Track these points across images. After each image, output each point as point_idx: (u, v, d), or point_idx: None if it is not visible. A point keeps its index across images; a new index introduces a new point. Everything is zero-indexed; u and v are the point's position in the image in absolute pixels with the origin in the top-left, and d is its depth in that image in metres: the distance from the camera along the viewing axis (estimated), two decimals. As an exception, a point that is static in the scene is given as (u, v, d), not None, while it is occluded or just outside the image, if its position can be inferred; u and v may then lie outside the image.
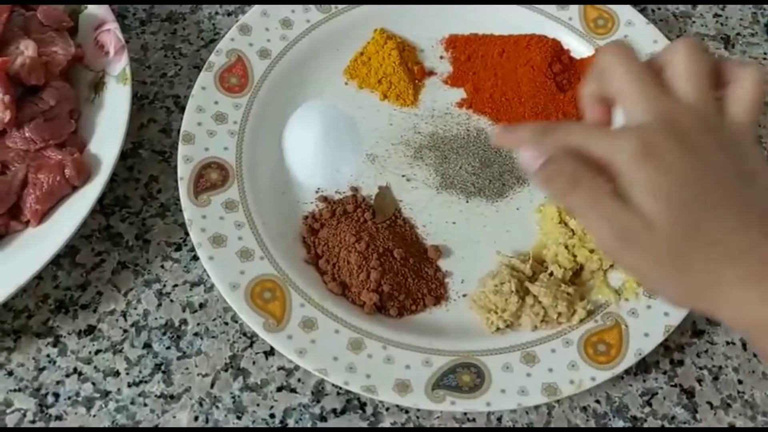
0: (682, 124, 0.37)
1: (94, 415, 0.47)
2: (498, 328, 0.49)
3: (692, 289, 0.37)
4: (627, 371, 0.49)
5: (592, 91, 0.40)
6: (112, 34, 0.55)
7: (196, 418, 0.47)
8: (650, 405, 0.49)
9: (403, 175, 0.56)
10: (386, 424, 0.48)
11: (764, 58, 0.63)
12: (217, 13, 0.63)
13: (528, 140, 0.39)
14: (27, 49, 0.51)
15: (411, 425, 0.48)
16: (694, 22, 0.65)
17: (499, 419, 0.48)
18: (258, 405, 0.48)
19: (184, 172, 0.52)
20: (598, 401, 0.49)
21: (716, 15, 0.66)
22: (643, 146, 0.36)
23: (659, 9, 0.65)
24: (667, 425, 0.48)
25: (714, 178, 0.37)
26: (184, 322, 0.51)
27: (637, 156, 0.36)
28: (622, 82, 0.38)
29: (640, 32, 0.59)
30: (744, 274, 0.36)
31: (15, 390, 0.48)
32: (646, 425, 0.48)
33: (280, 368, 0.49)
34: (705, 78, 0.39)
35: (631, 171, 0.36)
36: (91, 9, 0.57)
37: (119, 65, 0.54)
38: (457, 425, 0.48)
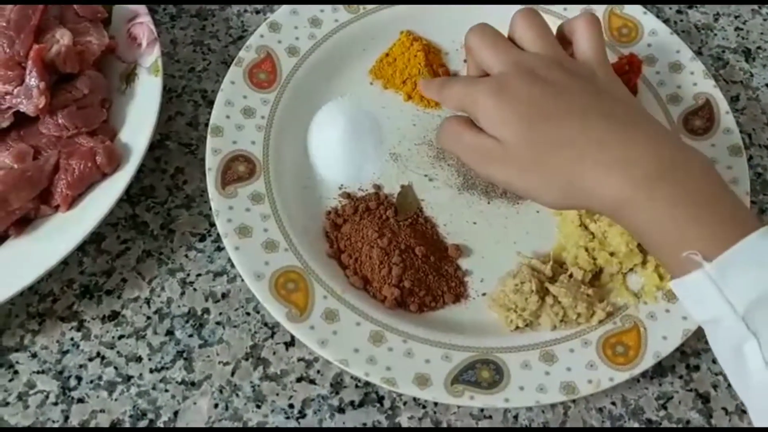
0: (529, 64, 0.47)
1: (116, 399, 0.48)
2: (517, 327, 0.49)
3: (559, 188, 0.45)
4: (643, 374, 0.49)
5: (473, 72, 0.51)
6: (144, 27, 0.56)
7: (216, 406, 0.48)
8: (665, 408, 0.49)
9: (425, 175, 0.56)
10: (403, 418, 0.48)
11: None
12: (245, 10, 0.64)
13: (434, 91, 0.53)
14: (63, 37, 0.52)
15: (428, 420, 0.48)
16: (715, 34, 0.66)
17: (516, 417, 0.49)
18: (277, 395, 0.49)
19: (212, 163, 0.52)
20: (614, 403, 0.49)
21: (737, 29, 0.66)
22: (496, 85, 0.46)
23: (682, 21, 0.66)
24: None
25: (555, 95, 0.45)
26: (207, 311, 0.51)
27: (490, 92, 0.46)
28: (481, 51, 0.49)
29: (663, 42, 0.60)
30: (596, 166, 0.43)
31: (38, 372, 0.49)
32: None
33: (300, 359, 0.50)
34: (548, 34, 0.49)
35: (486, 105, 0.46)
36: (125, 2, 0.58)
37: (151, 57, 0.55)
38: (473, 422, 0.48)
